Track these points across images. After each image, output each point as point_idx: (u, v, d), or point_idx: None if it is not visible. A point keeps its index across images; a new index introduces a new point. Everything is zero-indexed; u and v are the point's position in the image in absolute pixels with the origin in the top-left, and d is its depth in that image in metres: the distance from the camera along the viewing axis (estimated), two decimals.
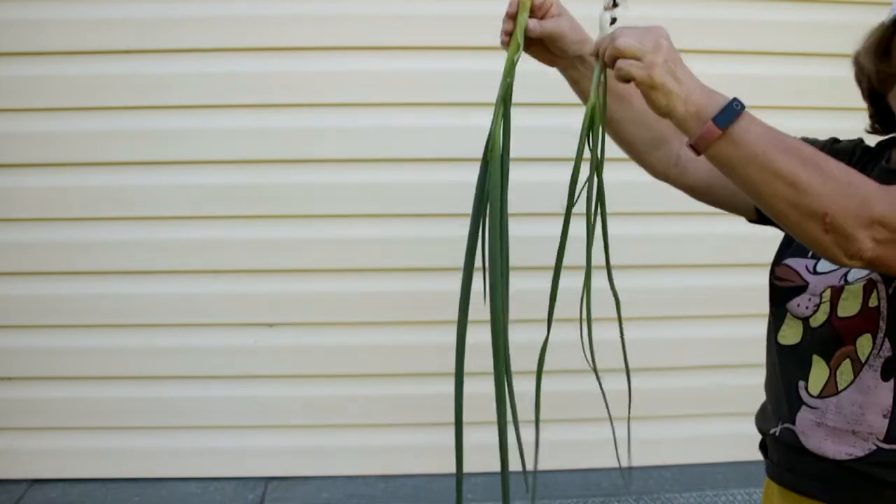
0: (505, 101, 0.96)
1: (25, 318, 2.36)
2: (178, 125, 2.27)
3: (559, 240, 0.93)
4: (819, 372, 1.04)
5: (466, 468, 2.58)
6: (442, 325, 2.36)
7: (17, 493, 2.39)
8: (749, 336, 2.49)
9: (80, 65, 2.23)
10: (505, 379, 0.92)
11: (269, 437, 2.46)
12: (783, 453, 1.11)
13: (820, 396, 1.04)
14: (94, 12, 2.20)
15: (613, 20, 0.94)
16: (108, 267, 2.34)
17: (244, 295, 2.38)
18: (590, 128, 0.94)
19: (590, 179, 0.93)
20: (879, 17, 1.11)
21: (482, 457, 2.49)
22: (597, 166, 0.93)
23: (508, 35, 1.01)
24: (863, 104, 1.10)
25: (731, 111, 0.84)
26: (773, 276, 1.11)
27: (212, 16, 2.23)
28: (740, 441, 2.53)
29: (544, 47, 1.07)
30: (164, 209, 2.31)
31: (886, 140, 1.09)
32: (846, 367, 1.01)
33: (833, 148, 1.11)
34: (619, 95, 1.08)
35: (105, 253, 2.33)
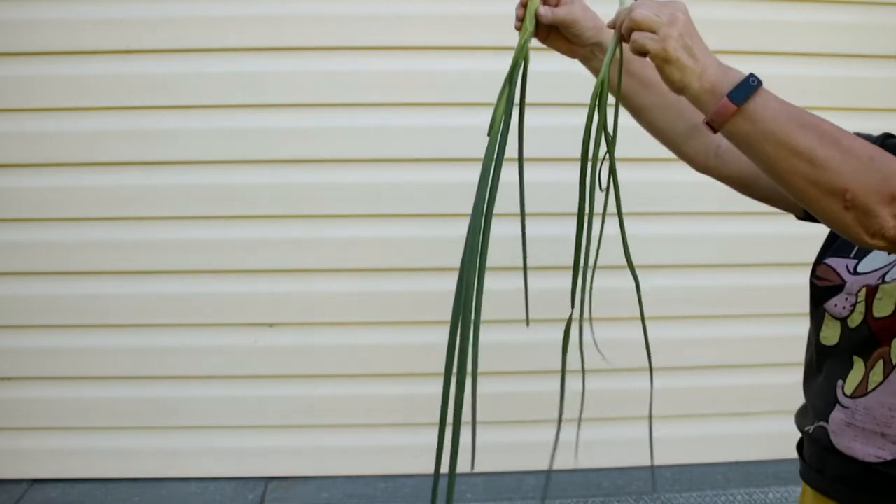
0: (510, 82, 0.95)
1: (24, 318, 2.36)
2: (177, 125, 2.27)
3: (575, 231, 0.93)
4: (856, 372, 1.03)
5: (466, 468, 2.58)
6: (442, 325, 2.35)
7: (17, 493, 2.39)
8: (749, 336, 2.50)
9: (80, 65, 2.22)
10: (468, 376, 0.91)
11: (269, 437, 2.46)
12: (815, 453, 1.10)
13: (852, 396, 1.03)
14: (94, 12, 2.20)
15: None
16: (108, 267, 2.34)
17: (244, 295, 2.38)
18: (598, 102, 0.93)
19: (594, 157, 0.92)
20: (880, 17, 1.12)
21: (482, 457, 2.49)
22: (608, 142, 0.93)
23: (521, 21, 1.02)
24: (866, 103, 1.09)
25: (747, 87, 0.83)
26: (814, 275, 1.10)
27: (212, 16, 2.23)
28: (740, 441, 2.54)
29: (561, 36, 1.08)
30: (162, 209, 2.31)
31: None
32: (878, 368, 1.00)
33: (885, 143, 1.08)
34: (646, 82, 1.08)
35: (104, 253, 2.33)
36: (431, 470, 2.83)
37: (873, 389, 1.00)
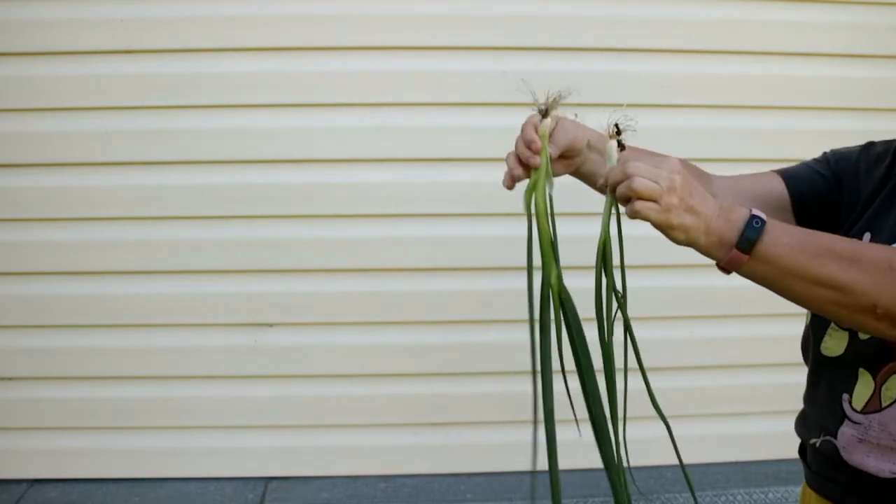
0: (554, 246, 0.91)
1: (25, 318, 2.36)
2: (177, 125, 2.27)
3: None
4: (864, 386, 1.01)
5: (466, 468, 2.59)
6: (442, 325, 2.36)
7: (17, 493, 2.39)
8: (750, 336, 2.50)
9: (80, 65, 2.22)
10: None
11: (269, 437, 2.46)
12: (823, 463, 1.09)
13: (863, 412, 1.01)
14: (94, 12, 2.20)
15: (621, 146, 0.91)
16: (108, 267, 2.34)
17: (244, 295, 2.38)
18: (603, 264, 0.91)
19: (607, 316, 0.93)
20: (879, 17, 1.11)
21: (482, 457, 2.50)
22: (619, 304, 0.92)
23: (514, 181, 0.95)
24: (868, 104, 1.08)
25: (753, 231, 0.82)
26: None
27: (212, 16, 2.23)
28: (740, 441, 2.54)
29: (558, 160, 1.00)
30: (162, 209, 2.31)
31: None
32: (892, 383, 0.98)
33: (868, 152, 1.09)
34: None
35: (105, 253, 2.33)
36: (431, 470, 2.84)
37: (889, 405, 0.98)
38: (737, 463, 2.53)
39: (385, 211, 2.34)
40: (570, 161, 1.03)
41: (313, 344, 2.41)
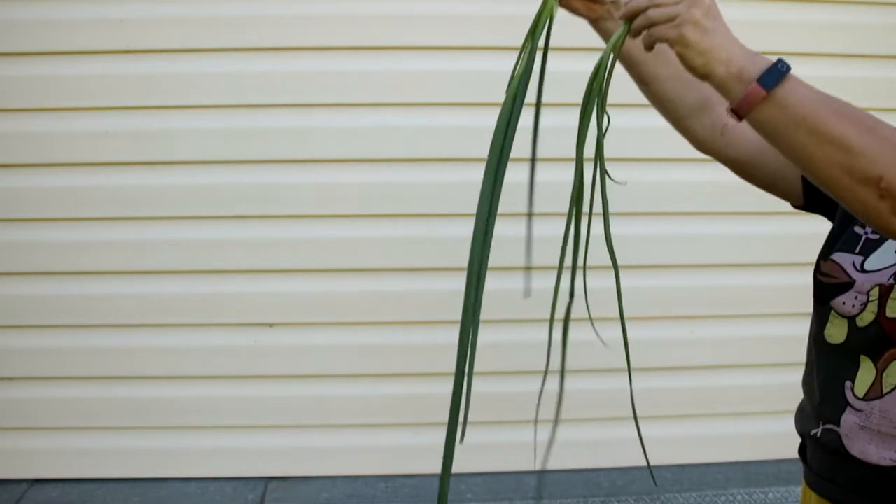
0: (533, 36, 0.90)
1: (25, 318, 2.36)
2: (177, 125, 2.27)
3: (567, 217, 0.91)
4: (866, 373, 1.00)
5: (466, 468, 2.59)
6: (443, 325, 2.36)
7: (17, 493, 2.39)
8: (750, 336, 2.50)
9: (80, 65, 2.23)
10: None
11: (269, 437, 2.46)
12: (824, 459, 1.07)
13: (865, 399, 0.99)
14: (94, 12, 2.20)
15: None
16: (108, 267, 2.34)
17: (244, 295, 2.38)
18: (594, 85, 0.88)
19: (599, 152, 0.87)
20: (879, 17, 1.11)
21: (482, 457, 2.50)
22: (599, 129, 0.89)
23: None
24: (868, 104, 1.06)
25: (777, 72, 0.79)
26: (818, 271, 1.06)
27: (213, 16, 2.23)
28: (740, 441, 2.54)
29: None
30: (162, 209, 2.31)
31: None
32: (893, 370, 0.97)
33: None
34: (656, 49, 0.99)
35: (105, 253, 2.33)
36: (432, 470, 2.84)
37: (890, 391, 0.97)
38: (737, 463, 2.53)
39: (385, 211, 2.34)
40: (591, 4, 1.02)
41: (313, 344, 2.41)
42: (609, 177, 0.92)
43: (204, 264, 2.35)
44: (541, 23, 0.90)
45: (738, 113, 0.80)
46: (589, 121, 0.89)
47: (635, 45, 0.99)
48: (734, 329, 2.47)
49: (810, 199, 1.09)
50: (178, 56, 2.23)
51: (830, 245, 1.07)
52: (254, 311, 2.39)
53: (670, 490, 2.39)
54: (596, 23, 1.05)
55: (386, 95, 2.29)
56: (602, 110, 0.89)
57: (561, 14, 0.96)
